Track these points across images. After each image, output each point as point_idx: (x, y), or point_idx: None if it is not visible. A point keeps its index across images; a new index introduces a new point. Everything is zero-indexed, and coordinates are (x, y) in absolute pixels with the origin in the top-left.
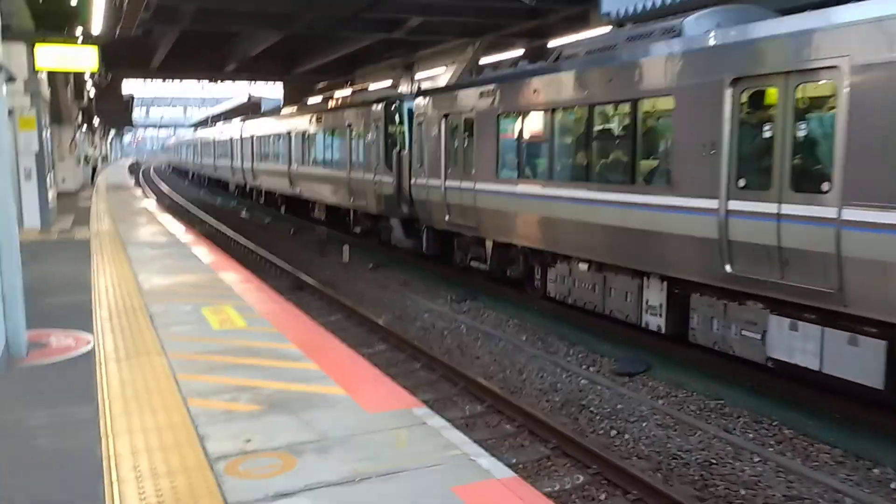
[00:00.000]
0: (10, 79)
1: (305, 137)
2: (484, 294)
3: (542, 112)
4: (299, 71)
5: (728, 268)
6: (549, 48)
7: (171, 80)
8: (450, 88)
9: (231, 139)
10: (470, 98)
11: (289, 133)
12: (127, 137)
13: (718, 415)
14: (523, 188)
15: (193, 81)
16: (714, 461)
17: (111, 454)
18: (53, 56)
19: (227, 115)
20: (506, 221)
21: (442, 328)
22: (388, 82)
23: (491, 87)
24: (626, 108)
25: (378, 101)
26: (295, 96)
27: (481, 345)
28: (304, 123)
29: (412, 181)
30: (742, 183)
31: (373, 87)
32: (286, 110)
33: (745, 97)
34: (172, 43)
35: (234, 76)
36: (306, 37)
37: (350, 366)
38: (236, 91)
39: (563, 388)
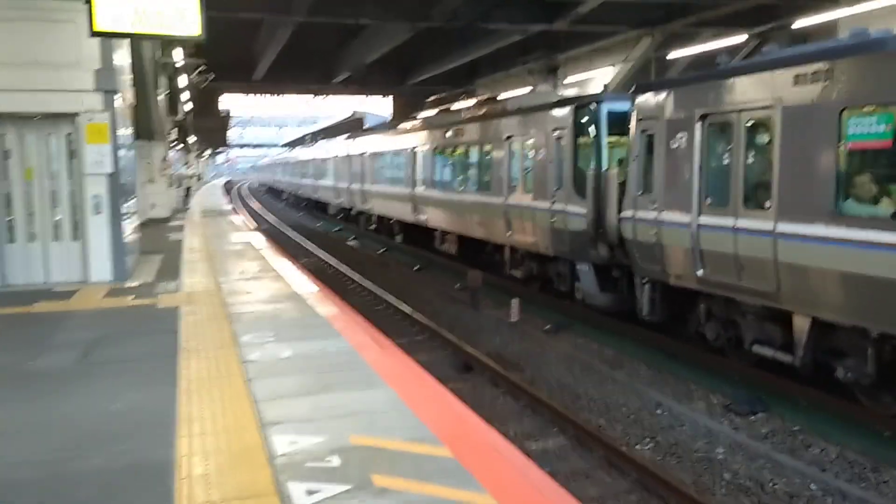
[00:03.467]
0: None
1: (436, 154)
2: (782, 398)
3: None
4: (412, 82)
5: None
6: None
7: (272, 94)
8: (716, 76)
9: (335, 157)
10: (765, 86)
11: (413, 150)
12: (220, 157)
13: None
14: None
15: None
16: None
17: None
18: (130, 10)
19: (329, 132)
20: (853, 290)
21: (722, 460)
22: (525, 89)
23: (821, 64)
24: None
25: (560, 104)
26: (404, 112)
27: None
28: (435, 138)
29: (622, 213)
30: None
31: (504, 95)
32: (407, 123)
33: None
34: (278, 51)
35: (343, 90)
36: (428, 41)
37: None
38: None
39: None
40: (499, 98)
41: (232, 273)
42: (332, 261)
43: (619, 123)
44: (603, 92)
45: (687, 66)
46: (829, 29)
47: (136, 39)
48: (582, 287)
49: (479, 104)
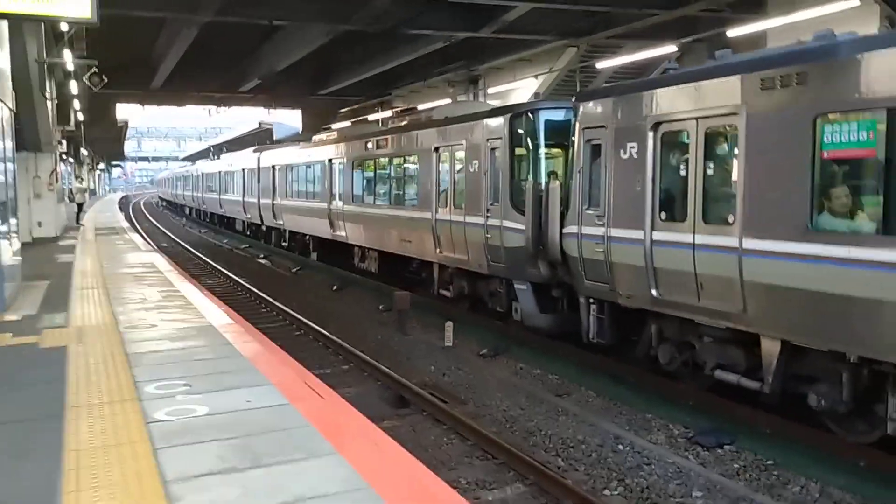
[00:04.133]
0: None
1: (357, 167)
2: (745, 427)
3: None
4: (323, 92)
5: None
6: None
7: (172, 104)
8: (670, 81)
9: (243, 171)
10: (727, 91)
11: (330, 162)
12: (116, 170)
13: None
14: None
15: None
16: None
17: None
18: None
19: (235, 145)
20: (831, 311)
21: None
22: (445, 100)
23: (793, 68)
24: None
25: (494, 112)
26: (314, 124)
27: None
28: (355, 149)
29: (565, 229)
30: None
31: (426, 105)
32: (323, 134)
33: None
34: (181, 56)
35: (250, 100)
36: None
37: None
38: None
39: None
40: (420, 108)
41: (131, 301)
42: (243, 282)
43: (556, 133)
44: (539, 100)
45: (610, 78)
46: (755, 40)
47: (14, 21)
48: (520, 307)
49: (402, 114)
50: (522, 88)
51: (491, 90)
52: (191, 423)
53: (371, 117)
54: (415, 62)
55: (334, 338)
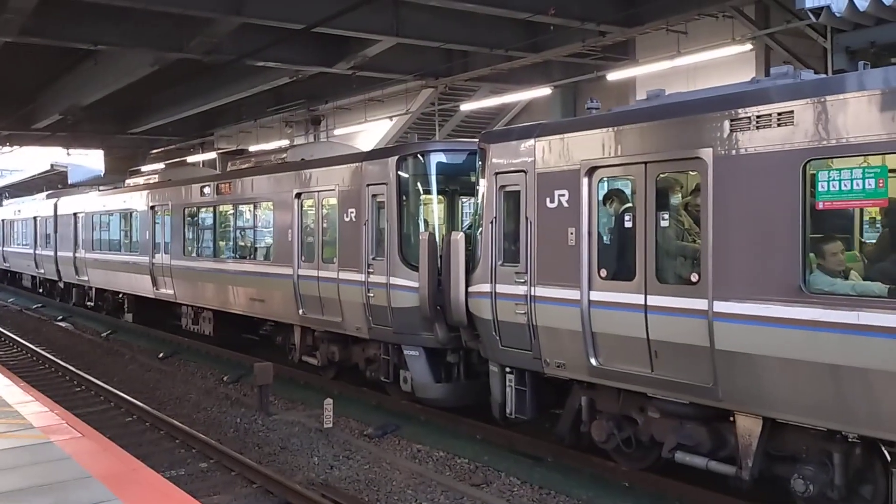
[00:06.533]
0: None
1: (190, 216)
2: None
3: None
4: (136, 131)
5: None
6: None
7: None
8: (611, 120)
9: (35, 219)
10: (687, 132)
11: (152, 210)
12: None
13: None
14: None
15: None
16: None
17: None
18: None
19: (19, 190)
20: (830, 384)
21: None
22: (282, 142)
23: (777, 105)
24: None
25: (376, 154)
26: (118, 167)
27: None
28: (187, 195)
29: (472, 287)
30: None
31: (256, 148)
32: (141, 178)
33: None
34: None
35: (45, 139)
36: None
37: None
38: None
39: None
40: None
41: None
42: (42, 351)
43: (451, 178)
44: (426, 140)
45: (463, 120)
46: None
47: None
48: (411, 376)
49: (234, 155)
50: (372, 130)
51: (337, 131)
52: None
53: (191, 159)
54: (244, 100)
55: (181, 425)
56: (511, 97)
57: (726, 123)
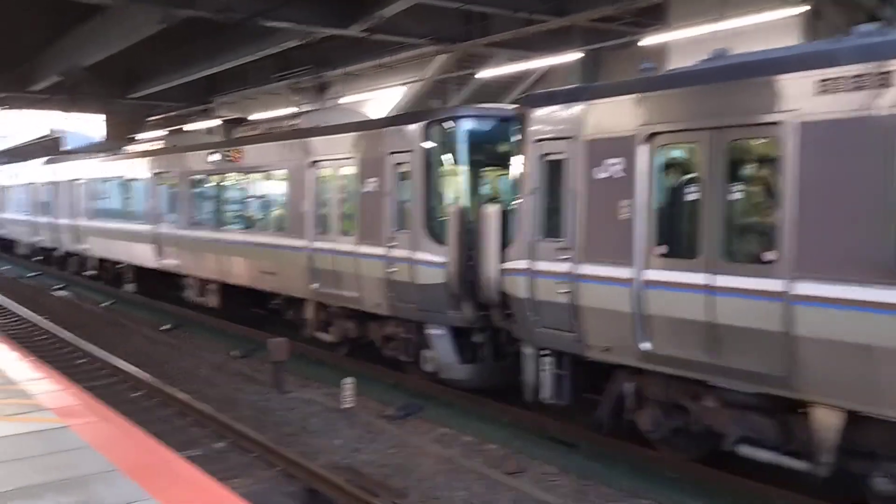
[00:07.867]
0: None
1: (197, 184)
2: None
3: None
4: (136, 95)
5: None
6: None
7: None
8: (673, 81)
9: (32, 185)
10: (762, 95)
11: (157, 176)
12: None
13: None
14: None
15: None
16: None
17: None
18: None
19: (18, 155)
20: None
21: None
22: (288, 110)
23: (873, 65)
24: None
25: (402, 119)
26: (120, 132)
27: None
28: (194, 163)
29: (506, 263)
30: None
31: (257, 116)
32: (146, 144)
33: None
34: None
35: (43, 102)
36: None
37: None
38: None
39: None
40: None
41: None
42: (41, 321)
43: (484, 147)
44: (456, 105)
45: (478, 89)
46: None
47: None
48: (436, 356)
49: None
50: (378, 100)
51: (346, 99)
52: None
53: (194, 126)
54: (249, 65)
55: (194, 402)
56: (534, 63)
57: (815, 84)
